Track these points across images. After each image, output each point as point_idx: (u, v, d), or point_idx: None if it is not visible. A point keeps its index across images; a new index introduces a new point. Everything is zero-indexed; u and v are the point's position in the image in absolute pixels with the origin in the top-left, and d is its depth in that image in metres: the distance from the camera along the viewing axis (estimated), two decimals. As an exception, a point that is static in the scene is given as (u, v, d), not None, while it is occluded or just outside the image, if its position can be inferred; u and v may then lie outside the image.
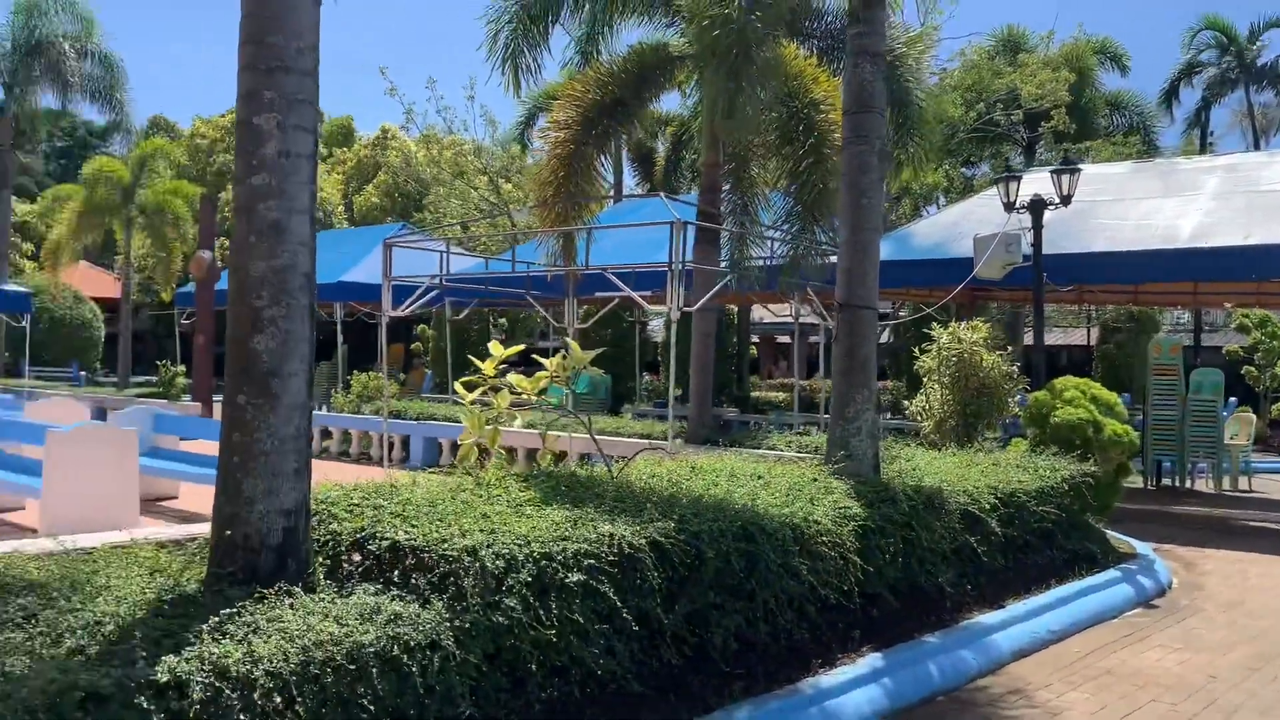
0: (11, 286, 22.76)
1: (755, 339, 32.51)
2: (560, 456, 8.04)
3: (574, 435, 9.23)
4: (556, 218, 11.83)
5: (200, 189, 27.74)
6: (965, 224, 14.39)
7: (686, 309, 9.57)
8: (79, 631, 3.32)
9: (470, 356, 7.06)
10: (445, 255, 12.35)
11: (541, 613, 4.07)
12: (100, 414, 14.78)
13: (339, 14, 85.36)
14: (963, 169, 26.78)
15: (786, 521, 5.47)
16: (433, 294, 11.82)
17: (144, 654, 3.16)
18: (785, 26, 11.16)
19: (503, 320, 25.01)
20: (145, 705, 2.99)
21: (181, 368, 21.56)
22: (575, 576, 4.23)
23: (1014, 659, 6.35)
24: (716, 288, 11.04)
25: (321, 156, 42.15)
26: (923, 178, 20.45)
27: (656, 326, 26.55)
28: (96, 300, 33.36)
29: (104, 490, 8.47)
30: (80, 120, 49.37)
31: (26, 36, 23.99)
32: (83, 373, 29.23)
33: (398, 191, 35.88)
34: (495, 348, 5.88)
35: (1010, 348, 11.56)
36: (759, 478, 6.33)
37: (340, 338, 20.40)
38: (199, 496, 8.89)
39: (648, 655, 4.66)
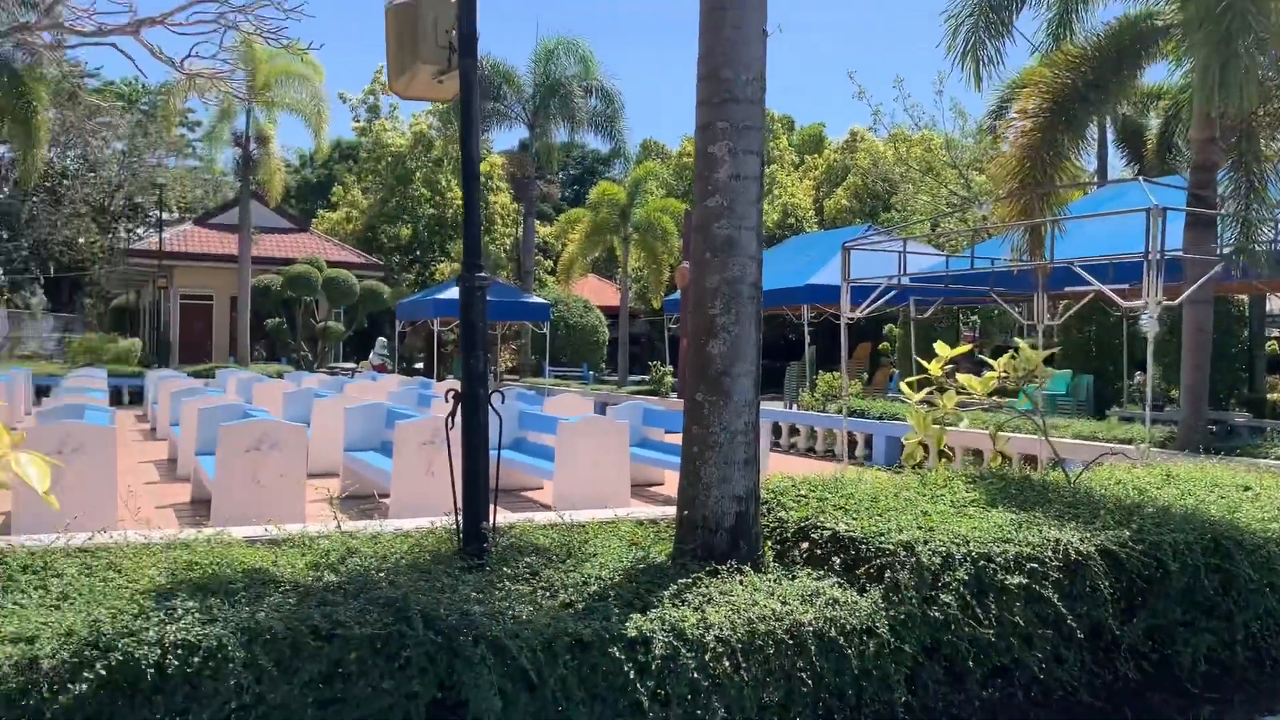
0: (535, 298, 26.48)
1: (1277, 333, 28.26)
2: (1012, 459, 7.80)
3: (1038, 438, 8.86)
4: (1022, 210, 11.36)
5: (684, 205, 30.23)
6: None
7: (1168, 302, 8.76)
8: (570, 589, 3.98)
9: (920, 358, 7.12)
10: (903, 255, 12.39)
11: (979, 611, 4.11)
12: (601, 408, 16.76)
13: (809, 23, 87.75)
14: None
15: (1274, 537, 4.91)
16: (892, 294, 11.92)
17: (617, 611, 3.73)
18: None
19: (974, 318, 24.28)
20: (617, 655, 3.54)
21: (669, 368, 23.68)
22: (1015, 579, 4.20)
23: None
24: (1206, 276, 9.94)
25: (794, 164, 43.76)
26: None
27: (1149, 321, 24.15)
28: (602, 308, 37.63)
29: (601, 474, 9.74)
30: (589, 149, 55.93)
31: (544, 80, 27.81)
32: (590, 372, 33.13)
33: (866, 192, 36.23)
34: (941, 348, 5.93)
35: None
36: (1246, 489, 5.73)
37: (808, 339, 21.14)
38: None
39: (1101, 667, 4.48)
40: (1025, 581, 4.21)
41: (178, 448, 12.23)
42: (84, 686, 2.88)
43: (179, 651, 3.03)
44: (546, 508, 9.68)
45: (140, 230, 43.34)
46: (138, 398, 22.91)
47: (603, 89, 28.20)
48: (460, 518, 4.41)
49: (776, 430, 16.88)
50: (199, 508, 9.80)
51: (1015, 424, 7.46)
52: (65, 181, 42.05)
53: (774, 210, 37.83)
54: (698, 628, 3.73)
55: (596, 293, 39.74)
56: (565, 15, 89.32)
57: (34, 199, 41.71)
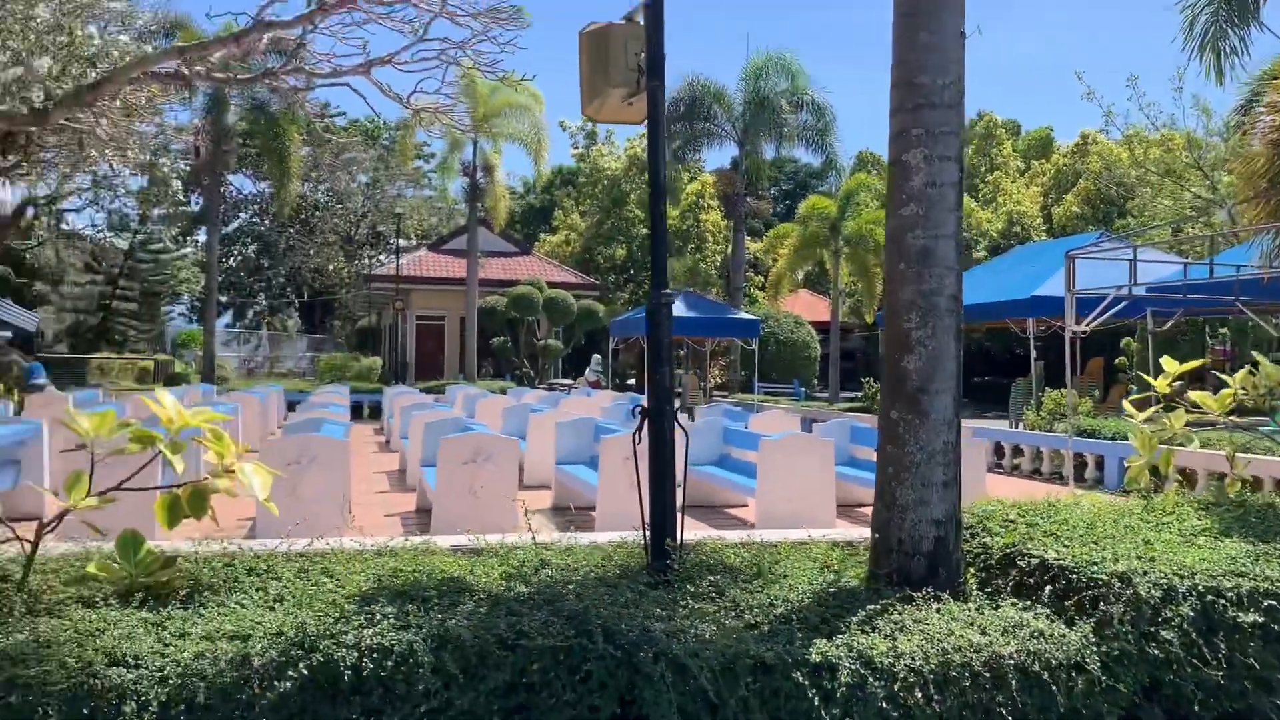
0: (743, 314, 26.47)
1: None
2: (1257, 484, 7.06)
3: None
4: (1272, 212, 10.34)
5: (900, 215, 29.37)
6: None
7: None
8: (755, 609, 3.92)
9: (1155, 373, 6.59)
10: (1133, 264, 11.53)
11: (1206, 651, 3.74)
12: (808, 425, 16.51)
13: (1030, 23, 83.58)
14: None
15: None
16: (1122, 305, 11.11)
17: (801, 635, 3.64)
18: None
19: (1222, 330, 22.31)
20: (801, 680, 3.45)
21: (883, 384, 23.03)
22: (1250, 616, 3.80)
23: None
24: None
25: (1019, 170, 41.75)
26: None
27: None
28: (814, 324, 37.17)
29: (805, 492, 9.57)
30: (801, 164, 55.54)
31: (753, 97, 27.83)
32: (802, 389, 32.75)
33: (1099, 198, 34.05)
34: (1168, 363, 5.45)
35: None
36: None
37: (1034, 354, 20.04)
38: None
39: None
40: (1262, 620, 3.79)
41: (407, 459, 12.99)
42: (289, 684, 3.08)
43: (374, 655, 3.19)
44: (750, 525, 9.61)
45: (382, 257, 46.53)
46: (377, 412, 24.52)
47: (813, 103, 27.91)
48: (647, 533, 4.44)
49: (998, 450, 16.06)
50: (423, 516, 10.34)
51: (1266, 445, 6.76)
52: (317, 213, 45.81)
53: (999, 219, 36.18)
54: (887, 656, 3.58)
55: (809, 308, 39.28)
56: (778, 31, 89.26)
57: (290, 230, 45.69)
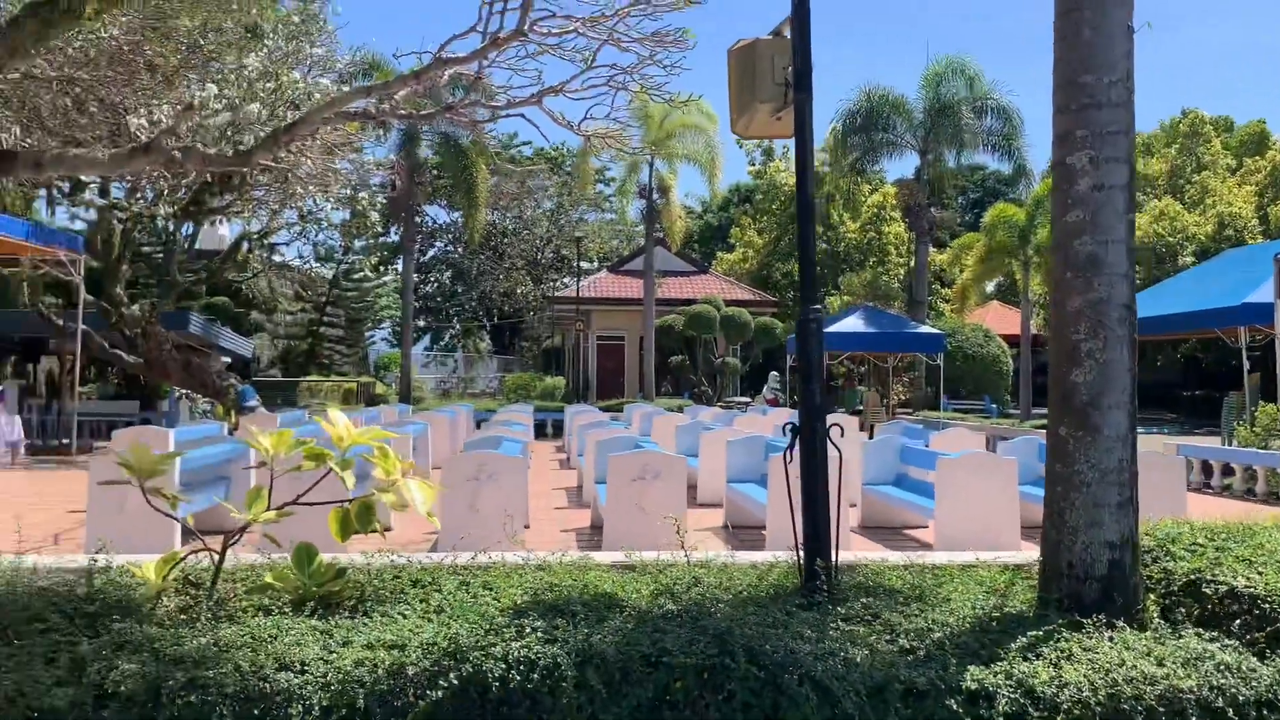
0: (926, 328, 25.69)
1: None
2: None
3: None
4: None
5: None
6: None
7: None
8: (911, 634, 3.78)
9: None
10: (1356, 264, 10.48)
11: None
12: (994, 444, 15.82)
13: (1230, 11, 77.56)
14: None
15: None
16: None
17: (955, 661, 3.49)
18: None
19: None
20: (954, 707, 3.31)
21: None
22: None
23: None
24: None
25: (1229, 169, 38.81)
26: None
27: None
28: (1005, 337, 35.58)
29: (987, 512, 9.17)
30: (989, 171, 53.51)
31: (933, 104, 27.06)
32: (993, 405, 31.40)
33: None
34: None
35: None
36: None
37: (1246, 365, 18.53)
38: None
39: None
40: None
41: (583, 476, 13.27)
42: (440, 693, 3.20)
43: (521, 667, 3.28)
44: (928, 546, 9.30)
45: (565, 279, 47.88)
46: (560, 430, 25.19)
47: (998, 107, 26.88)
48: (800, 553, 4.37)
49: (1206, 469, 14.91)
50: (597, 533, 10.54)
51: None
52: (505, 239, 47.64)
53: (1207, 222, 33.71)
54: (1050, 685, 3.39)
55: (1000, 320, 37.66)
56: (957, 38, 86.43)
57: (481, 256, 47.68)
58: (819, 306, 4.42)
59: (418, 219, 35.05)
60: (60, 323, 18.95)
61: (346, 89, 13.45)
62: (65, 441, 18.65)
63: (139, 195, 19.06)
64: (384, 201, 28.85)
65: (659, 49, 10.41)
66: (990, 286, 37.29)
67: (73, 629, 3.49)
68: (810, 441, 4.37)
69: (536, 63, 10.72)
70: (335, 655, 3.34)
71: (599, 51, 10.45)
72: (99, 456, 9.00)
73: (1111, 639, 3.72)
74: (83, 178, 17.56)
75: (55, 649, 3.34)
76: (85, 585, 3.83)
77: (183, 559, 4.14)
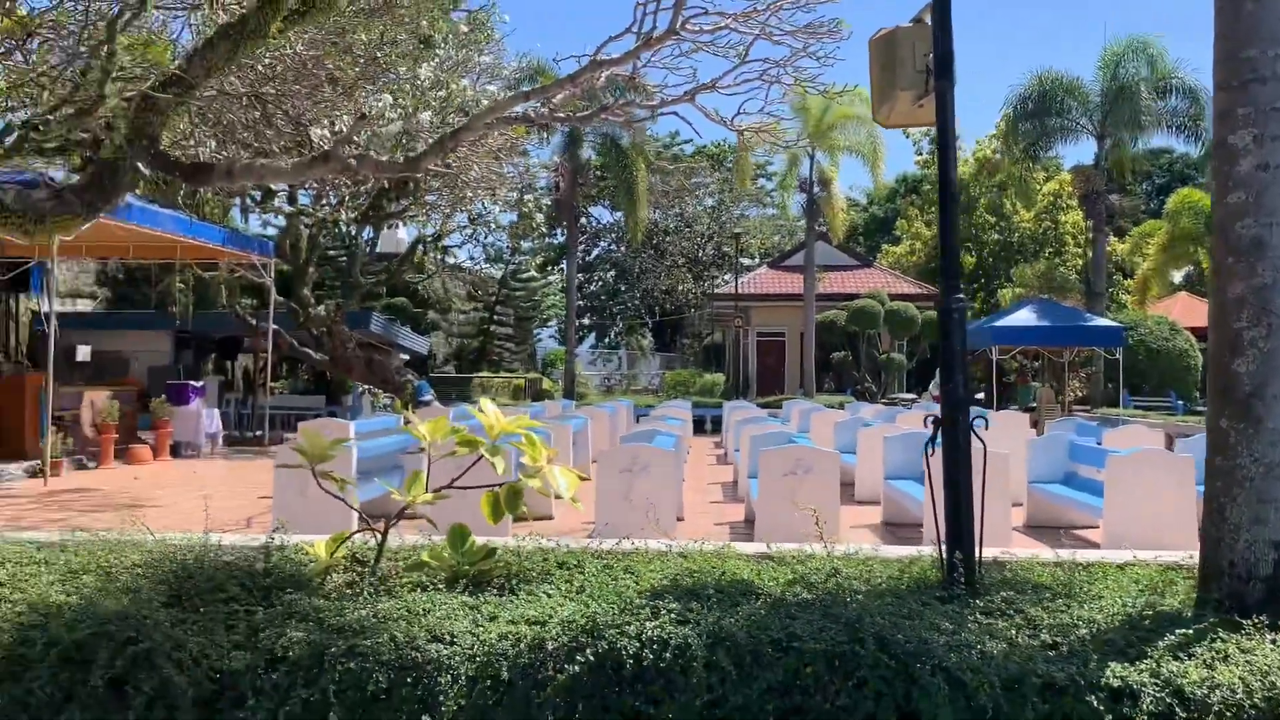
0: (1103, 321, 24.44)
1: None
2: None
3: None
4: None
5: None
6: None
7: None
8: (1054, 629, 3.70)
9: None
10: None
11: None
12: (1172, 442, 14.96)
13: None
14: None
15: None
16: None
17: (1098, 657, 3.40)
18: None
19: None
20: (1095, 704, 3.23)
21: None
22: None
23: None
24: None
25: None
26: None
27: None
28: (1193, 330, 33.41)
29: (1160, 512, 8.72)
30: (1176, 154, 50.37)
31: (1111, 86, 25.70)
32: (1180, 401, 29.56)
33: None
34: None
35: None
36: None
37: None
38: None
39: None
40: None
41: (738, 471, 13.34)
42: (577, 667, 3.36)
43: (654, 646, 3.40)
44: (1095, 546, 8.92)
45: (726, 276, 47.99)
46: (719, 426, 25.31)
47: (1185, 87, 25.26)
48: (942, 548, 4.33)
49: None
50: (750, 527, 10.59)
51: None
52: (666, 238, 48.10)
53: None
54: (1201, 686, 3.26)
55: (1187, 312, 35.32)
56: (1137, 19, 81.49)
57: (643, 255, 48.33)
58: (961, 296, 4.35)
59: (581, 220, 35.86)
60: (254, 322, 20.38)
61: (511, 95, 13.93)
62: (259, 433, 20.05)
63: (324, 202, 20.31)
64: (549, 203, 29.68)
65: (812, 40, 10.36)
66: (1178, 277, 35.05)
67: (250, 599, 3.83)
68: (953, 433, 4.32)
69: (690, 60, 10.83)
70: (482, 629, 3.55)
71: (752, 46, 10.49)
72: (285, 446, 9.70)
73: (1275, 641, 3.54)
74: (271, 186, 18.84)
75: (234, 617, 3.68)
76: (263, 561, 4.18)
77: (348, 538, 4.46)
